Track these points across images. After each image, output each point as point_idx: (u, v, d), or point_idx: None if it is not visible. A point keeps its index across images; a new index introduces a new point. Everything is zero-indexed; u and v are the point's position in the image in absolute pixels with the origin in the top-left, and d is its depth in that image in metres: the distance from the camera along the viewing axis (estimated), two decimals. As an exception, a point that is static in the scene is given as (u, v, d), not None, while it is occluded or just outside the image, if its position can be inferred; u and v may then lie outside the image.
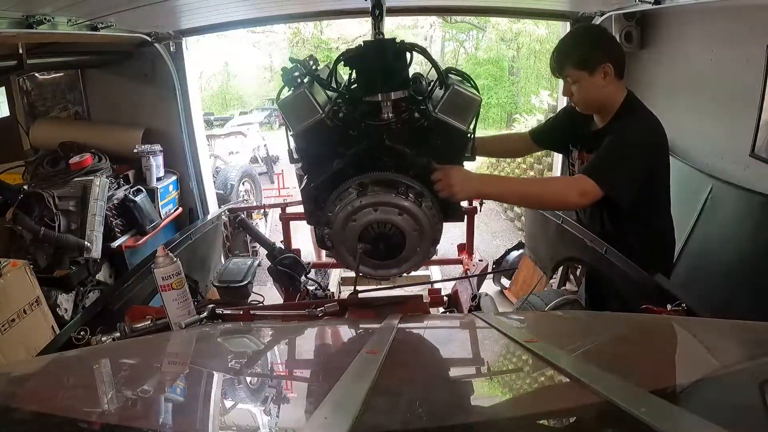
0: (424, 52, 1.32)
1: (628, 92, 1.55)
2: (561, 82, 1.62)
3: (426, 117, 1.28)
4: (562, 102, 3.33)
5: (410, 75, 1.34)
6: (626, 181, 1.42)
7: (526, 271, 2.74)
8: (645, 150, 1.47)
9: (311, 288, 1.99)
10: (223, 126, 7.35)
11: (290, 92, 1.29)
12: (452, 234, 4.54)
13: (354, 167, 1.31)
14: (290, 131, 1.33)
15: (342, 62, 1.30)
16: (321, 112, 1.27)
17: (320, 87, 1.34)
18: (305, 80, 1.30)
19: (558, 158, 3.44)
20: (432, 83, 1.34)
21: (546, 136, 1.81)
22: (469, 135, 1.35)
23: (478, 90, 1.35)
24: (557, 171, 3.48)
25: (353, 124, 1.30)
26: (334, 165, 1.31)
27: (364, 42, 1.31)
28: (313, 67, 1.36)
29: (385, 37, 1.36)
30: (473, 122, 1.33)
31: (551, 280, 2.39)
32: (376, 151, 1.31)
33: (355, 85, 1.32)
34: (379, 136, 1.28)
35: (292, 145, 1.37)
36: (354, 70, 1.32)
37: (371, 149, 1.30)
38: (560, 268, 2.30)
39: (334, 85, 1.36)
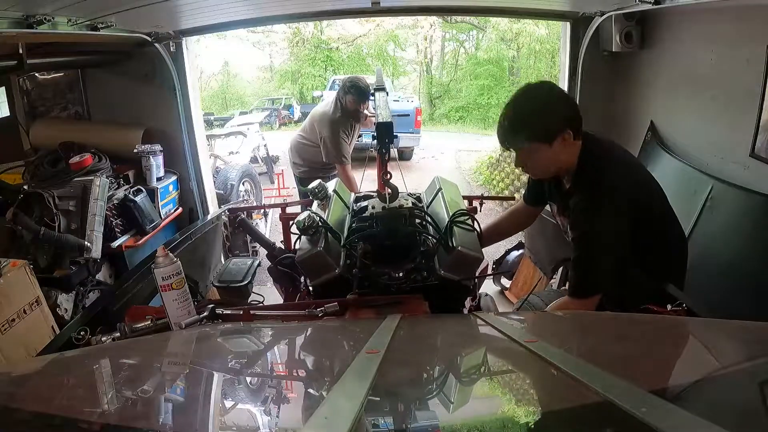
0: (431, 222, 1.49)
1: (583, 138, 1.41)
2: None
3: (433, 273, 1.41)
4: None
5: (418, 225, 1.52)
6: (609, 271, 1.36)
7: (526, 272, 2.73)
8: (619, 224, 1.34)
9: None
10: (223, 126, 7.34)
11: (307, 245, 1.43)
12: (452, 234, 4.54)
13: None
14: (308, 280, 1.48)
15: (355, 237, 1.46)
16: (336, 268, 1.39)
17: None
18: (320, 227, 1.43)
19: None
20: (438, 241, 1.44)
21: (537, 196, 1.73)
22: (472, 286, 1.49)
23: (480, 227, 1.54)
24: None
25: (367, 278, 1.41)
26: None
27: (375, 215, 1.46)
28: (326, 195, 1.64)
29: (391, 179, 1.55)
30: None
31: (551, 280, 2.39)
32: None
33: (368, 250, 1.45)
34: (390, 290, 1.40)
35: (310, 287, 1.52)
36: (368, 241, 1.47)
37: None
38: (560, 269, 2.30)
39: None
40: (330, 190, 1.78)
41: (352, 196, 1.94)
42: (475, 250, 1.40)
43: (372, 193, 1.85)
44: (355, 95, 3.17)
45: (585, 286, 1.37)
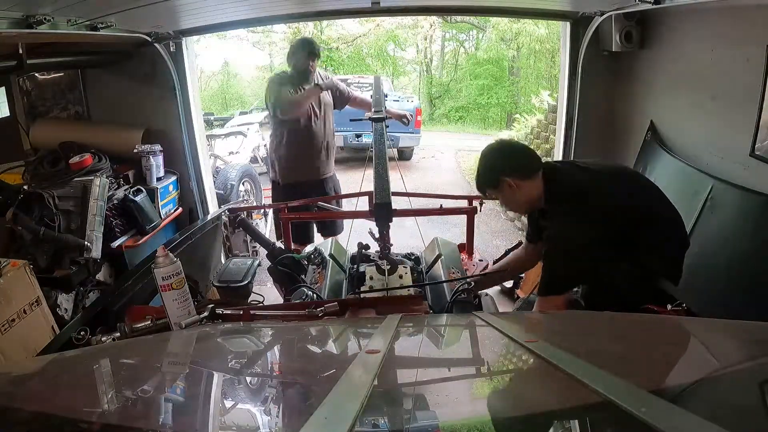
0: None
1: (546, 171, 1.62)
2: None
3: None
4: (563, 102, 3.34)
5: None
6: (569, 273, 1.53)
7: (536, 271, 2.73)
8: (581, 229, 1.50)
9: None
10: (223, 126, 7.33)
11: None
12: (452, 234, 4.54)
13: None
14: None
15: None
16: None
17: None
18: None
19: (559, 143, 3.44)
20: None
21: (537, 233, 1.82)
22: None
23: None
24: (558, 155, 3.46)
25: None
26: None
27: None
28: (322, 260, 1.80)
29: None
30: None
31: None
32: None
33: None
34: None
35: None
36: None
37: None
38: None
39: None
40: (326, 254, 1.89)
41: (348, 255, 2.02)
42: None
43: (368, 253, 1.89)
44: (306, 50, 2.87)
45: (548, 285, 1.55)
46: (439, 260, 1.89)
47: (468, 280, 1.75)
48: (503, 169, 1.63)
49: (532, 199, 1.63)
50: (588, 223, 1.49)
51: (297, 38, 3.18)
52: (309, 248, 1.89)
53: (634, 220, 1.55)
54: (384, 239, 1.68)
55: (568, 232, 1.51)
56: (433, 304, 1.66)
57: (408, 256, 2.02)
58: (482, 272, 1.95)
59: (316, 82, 2.93)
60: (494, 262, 3.03)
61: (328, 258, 1.89)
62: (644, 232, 1.55)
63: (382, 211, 1.56)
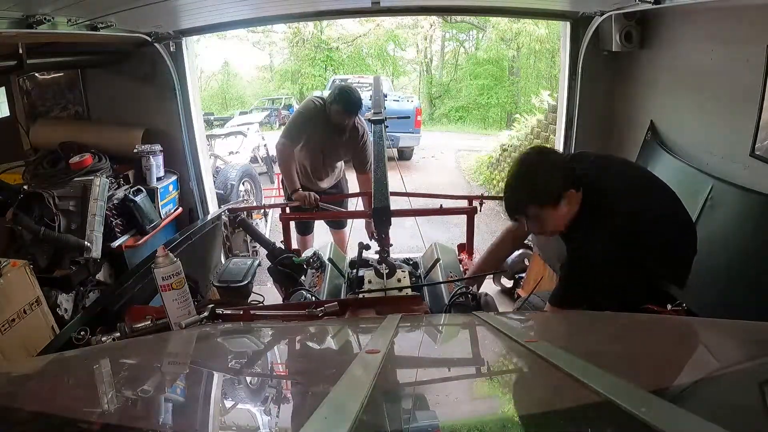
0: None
1: (583, 187, 1.42)
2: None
3: None
4: (563, 102, 3.34)
5: None
6: (589, 292, 1.38)
7: (537, 270, 2.73)
8: (613, 248, 1.36)
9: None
10: (223, 126, 7.34)
11: None
12: (452, 234, 4.55)
13: None
14: None
15: None
16: None
17: None
18: None
19: (559, 144, 3.45)
20: None
21: None
22: None
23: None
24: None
25: None
26: None
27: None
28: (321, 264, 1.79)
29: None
30: None
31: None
32: None
33: None
34: None
35: None
36: None
37: None
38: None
39: None
40: (325, 258, 1.89)
41: (347, 261, 2.02)
42: None
43: (366, 258, 1.87)
44: (341, 106, 2.65)
45: (564, 298, 1.43)
46: (438, 264, 1.89)
47: (464, 280, 1.75)
48: (565, 181, 1.37)
49: (575, 211, 1.41)
50: (620, 245, 1.35)
51: (340, 86, 2.87)
52: (308, 252, 1.89)
53: (650, 226, 1.43)
54: (383, 242, 1.68)
55: (602, 249, 1.36)
56: (431, 307, 1.65)
57: (406, 261, 2.02)
58: (475, 274, 1.91)
59: (348, 134, 2.82)
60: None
61: (326, 262, 1.89)
62: (654, 238, 1.45)
63: (380, 214, 1.56)
